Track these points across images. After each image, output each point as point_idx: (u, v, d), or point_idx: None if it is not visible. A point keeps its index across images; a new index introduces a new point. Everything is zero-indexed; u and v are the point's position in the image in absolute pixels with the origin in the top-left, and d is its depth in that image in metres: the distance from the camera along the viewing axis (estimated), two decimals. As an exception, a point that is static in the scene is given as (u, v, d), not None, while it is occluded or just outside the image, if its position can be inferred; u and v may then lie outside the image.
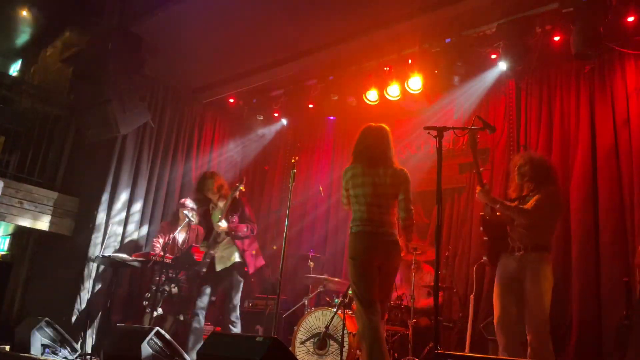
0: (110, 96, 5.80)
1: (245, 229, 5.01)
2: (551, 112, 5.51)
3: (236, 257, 4.97)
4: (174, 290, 5.50)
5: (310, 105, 6.69)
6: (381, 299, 3.55)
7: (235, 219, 4.99)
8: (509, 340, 3.56)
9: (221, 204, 5.07)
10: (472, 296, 4.80)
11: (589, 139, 5.12)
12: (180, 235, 5.90)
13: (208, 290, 4.99)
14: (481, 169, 3.88)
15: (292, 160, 4.30)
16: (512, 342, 3.56)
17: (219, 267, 4.98)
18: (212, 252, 4.99)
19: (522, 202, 3.82)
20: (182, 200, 6.08)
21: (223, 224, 4.87)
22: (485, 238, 3.91)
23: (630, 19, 4.67)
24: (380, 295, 3.53)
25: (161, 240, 5.85)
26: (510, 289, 3.68)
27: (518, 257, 3.72)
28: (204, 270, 5.04)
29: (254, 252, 5.09)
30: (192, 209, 5.84)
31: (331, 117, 7.05)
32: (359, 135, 3.87)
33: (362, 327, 3.43)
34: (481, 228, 3.97)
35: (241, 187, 4.75)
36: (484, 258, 3.94)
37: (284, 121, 7.24)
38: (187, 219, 5.72)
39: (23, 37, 9.30)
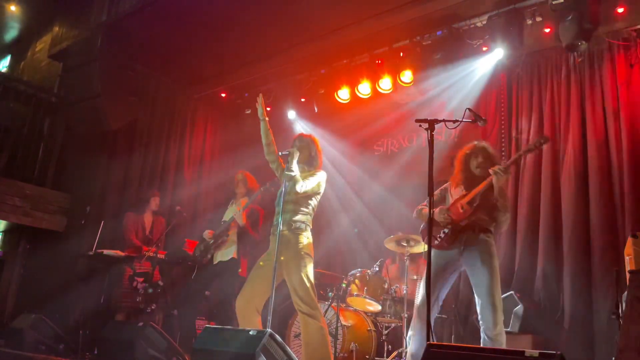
0: (101, 91, 5.77)
1: (255, 234, 5.03)
2: (542, 104, 5.54)
3: (234, 254, 4.99)
4: (160, 284, 5.49)
5: (303, 99, 6.68)
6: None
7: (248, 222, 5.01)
8: None
9: (243, 200, 5.09)
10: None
11: (580, 130, 5.16)
12: (147, 221, 5.88)
13: (203, 283, 5.01)
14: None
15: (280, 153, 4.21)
16: None
17: (216, 260, 5.00)
18: (218, 242, 5.00)
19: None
20: (155, 192, 6.09)
21: (242, 220, 4.87)
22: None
23: (620, 10, 4.69)
24: None
25: (131, 226, 5.83)
26: None
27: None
28: (204, 260, 5.04)
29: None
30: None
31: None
32: (319, 145, 4.08)
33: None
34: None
35: (273, 188, 4.60)
36: None
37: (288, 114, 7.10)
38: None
39: (12, 33, 9.20)
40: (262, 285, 3.71)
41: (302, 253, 3.70)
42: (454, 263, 3.62)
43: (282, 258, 3.68)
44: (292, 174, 3.73)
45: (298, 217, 3.80)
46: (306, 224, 3.82)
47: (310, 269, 3.70)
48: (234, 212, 4.95)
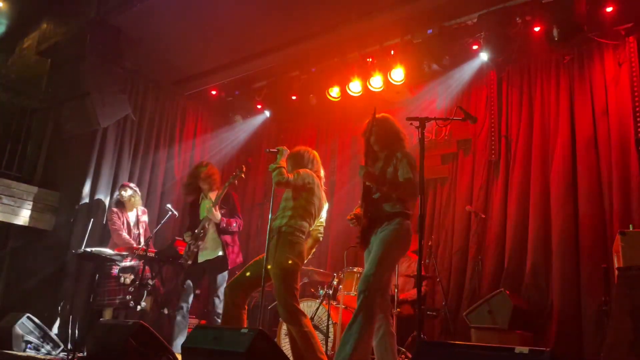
0: (89, 89, 5.73)
1: (234, 224, 5.00)
2: (531, 102, 5.57)
3: (219, 251, 4.96)
4: (150, 283, 5.46)
5: (294, 97, 6.67)
6: None
7: (224, 211, 4.98)
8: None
9: (212, 194, 5.05)
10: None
11: (569, 128, 5.20)
12: (131, 216, 5.83)
13: (192, 282, 4.98)
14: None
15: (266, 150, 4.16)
16: None
17: (202, 259, 4.97)
18: (198, 243, 4.96)
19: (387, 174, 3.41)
20: (125, 183, 6.02)
21: (217, 216, 4.83)
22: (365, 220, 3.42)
23: (609, 9, 4.73)
24: None
25: (118, 222, 5.75)
26: None
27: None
28: (189, 262, 5.01)
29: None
30: (135, 190, 5.82)
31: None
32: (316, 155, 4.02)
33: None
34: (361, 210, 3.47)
35: (242, 174, 4.62)
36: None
37: (267, 113, 7.21)
38: (131, 199, 5.75)
39: (-1, 29, 9.09)
40: (251, 279, 3.68)
41: (286, 260, 3.59)
42: None
43: (269, 267, 3.62)
44: (274, 165, 3.68)
45: (288, 222, 3.70)
46: (296, 228, 3.68)
47: (293, 277, 3.60)
48: (207, 210, 4.88)
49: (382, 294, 3.22)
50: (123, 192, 5.78)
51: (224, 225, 4.92)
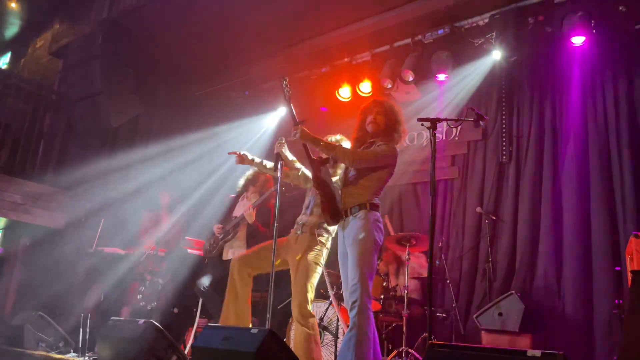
0: (101, 89, 5.77)
1: (265, 231, 5.02)
2: (543, 102, 5.52)
3: (244, 250, 4.98)
4: (161, 282, 5.49)
5: (304, 97, 6.65)
6: None
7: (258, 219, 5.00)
8: None
9: (253, 195, 5.07)
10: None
11: (581, 129, 5.15)
12: (165, 219, 5.88)
13: (210, 281, 4.98)
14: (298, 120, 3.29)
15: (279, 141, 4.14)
16: None
17: (227, 257, 4.98)
18: (226, 239, 4.98)
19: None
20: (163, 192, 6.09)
21: (252, 217, 4.85)
22: (322, 199, 3.36)
23: (622, 8, 4.67)
24: None
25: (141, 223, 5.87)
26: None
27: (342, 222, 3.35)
28: (212, 258, 5.02)
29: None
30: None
31: (324, 109, 6.99)
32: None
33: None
34: (316, 189, 3.44)
35: (286, 193, 4.48)
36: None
37: (277, 113, 7.20)
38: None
39: (12, 30, 9.18)
40: (263, 262, 3.65)
41: (315, 258, 3.63)
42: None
43: (296, 258, 3.63)
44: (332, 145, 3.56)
45: (318, 220, 3.71)
46: (324, 227, 3.73)
47: (316, 276, 3.65)
48: (244, 209, 4.92)
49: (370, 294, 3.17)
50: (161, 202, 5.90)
51: (255, 227, 4.94)
